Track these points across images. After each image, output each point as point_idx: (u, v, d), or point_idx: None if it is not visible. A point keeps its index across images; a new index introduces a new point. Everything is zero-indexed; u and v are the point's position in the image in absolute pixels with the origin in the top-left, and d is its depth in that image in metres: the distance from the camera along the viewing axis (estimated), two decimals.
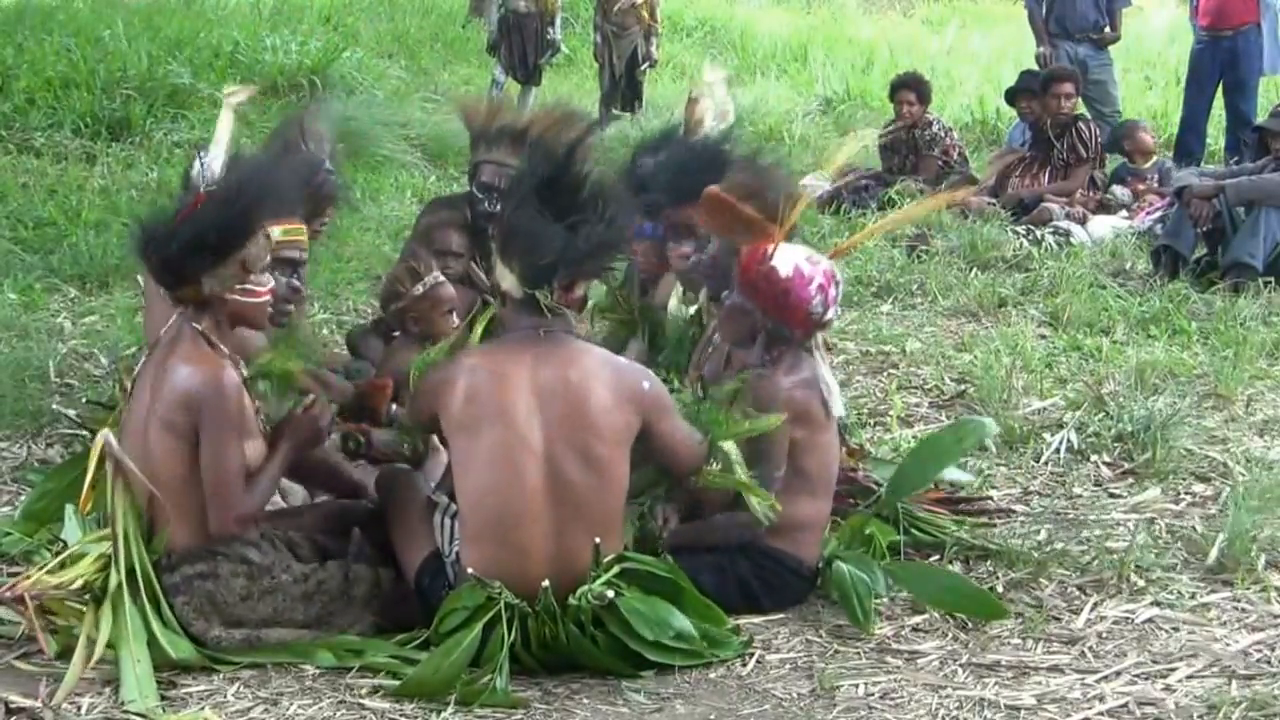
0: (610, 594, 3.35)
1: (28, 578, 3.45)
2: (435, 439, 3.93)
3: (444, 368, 3.63)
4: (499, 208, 5.16)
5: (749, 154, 4.44)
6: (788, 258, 3.75)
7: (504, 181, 5.18)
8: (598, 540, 3.40)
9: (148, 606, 3.37)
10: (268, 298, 3.57)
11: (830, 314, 3.78)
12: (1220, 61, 9.63)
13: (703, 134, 5.00)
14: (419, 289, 4.54)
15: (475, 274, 5.20)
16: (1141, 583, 3.93)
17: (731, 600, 3.68)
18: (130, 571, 3.39)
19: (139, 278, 5.24)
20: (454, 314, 4.61)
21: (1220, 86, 9.68)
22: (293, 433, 3.57)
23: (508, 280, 3.51)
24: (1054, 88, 8.76)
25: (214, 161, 4.03)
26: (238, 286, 3.47)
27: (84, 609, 3.39)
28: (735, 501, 3.72)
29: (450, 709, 3.22)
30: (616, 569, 3.41)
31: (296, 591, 3.50)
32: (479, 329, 4.31)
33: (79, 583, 3.42)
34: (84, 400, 4.98)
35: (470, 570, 3.39)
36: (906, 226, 8.14)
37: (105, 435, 3.46)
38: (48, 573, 3.44)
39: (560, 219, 3.45)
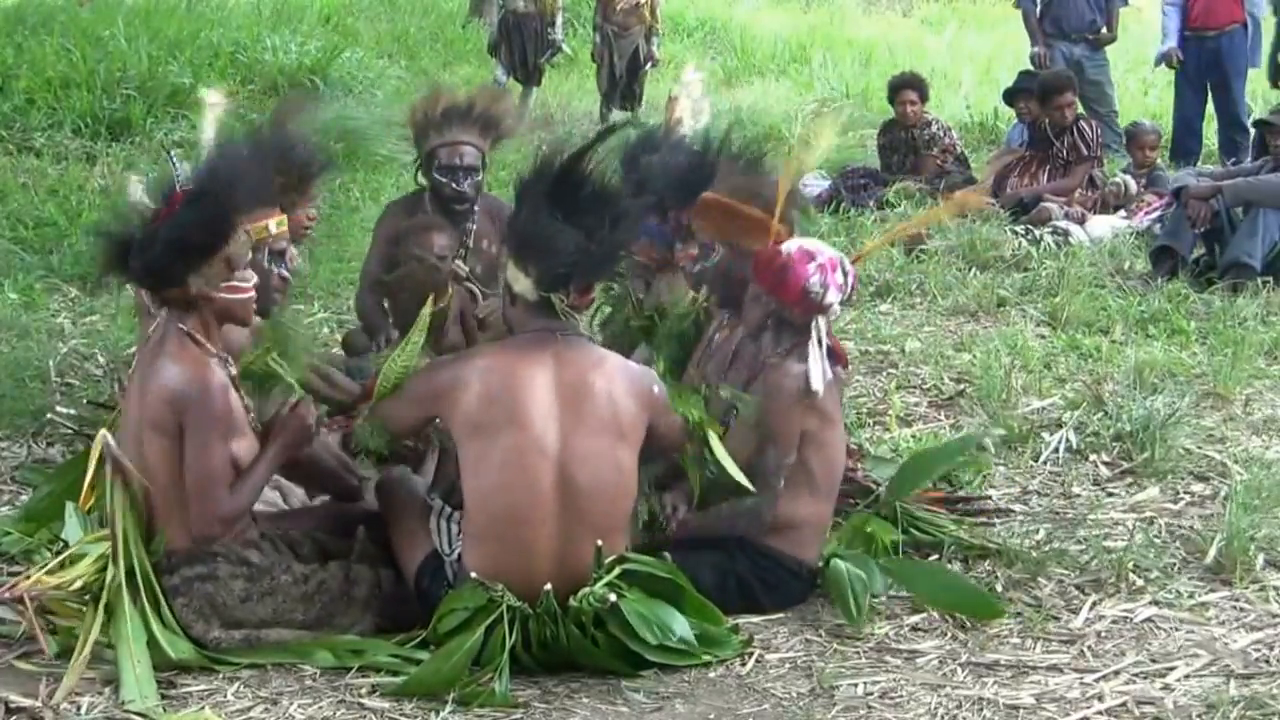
0: (613, 597, 3.35)
1: (28, 578, 3.45)
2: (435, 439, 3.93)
3: (452, 368, 3.59)
4: (465, 187, 5.20)
5: (739, 153, 4.43)
6: (795, 241, 3.80)
7: (463, 159, 5.19)
8: (599, 542, 3.40)
9: (147, 607, 3.37)
10: (252, 294, 3.57)
11: (830, 296, 3.76)
12: (1205, 62, 9.62)
13: (680, 132, 5.00)
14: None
15: (459, 268, 5.16)
16: (1140, 582, 3.94)
17: (731, 599, 3.69)
18: (130, 572, 3.38)
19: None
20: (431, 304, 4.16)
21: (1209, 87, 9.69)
22: (281, 432, 3.57)
23: (521, 283, 3.49)
24: (1055, 100, 8.51)
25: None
26: (223, 284, 3.48)
27: (84, 609, 3.39)
28: (737, 489, 3.72)
29: (449, 709, 3.23)
30: (618, 570, 3.41)
31: (297, 592, 3.50)
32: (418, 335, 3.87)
33: (78, 583, 3.42)
34: (84, 400, 4.98)
35: (473, 574, 3.39)
36: None
37: (104, 436, 3.46)
38: (47, 573, 3.44)
39: (570, 220, 3.44)
